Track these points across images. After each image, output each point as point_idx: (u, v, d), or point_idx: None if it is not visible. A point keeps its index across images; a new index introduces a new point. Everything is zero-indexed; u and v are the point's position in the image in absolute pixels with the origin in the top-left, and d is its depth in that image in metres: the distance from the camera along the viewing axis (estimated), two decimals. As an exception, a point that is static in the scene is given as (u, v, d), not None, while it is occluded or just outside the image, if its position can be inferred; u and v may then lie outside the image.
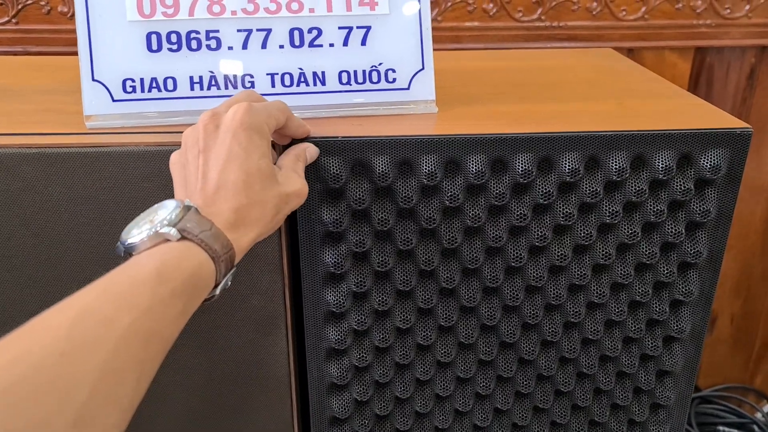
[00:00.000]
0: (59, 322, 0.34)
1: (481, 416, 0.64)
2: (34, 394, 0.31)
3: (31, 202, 0.52)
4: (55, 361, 0.32)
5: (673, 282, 0.59)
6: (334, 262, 0.56)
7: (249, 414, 0.62)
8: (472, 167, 0.53)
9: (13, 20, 1.19)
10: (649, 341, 0.62)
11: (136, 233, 0.41)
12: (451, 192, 0.54)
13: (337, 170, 0.52)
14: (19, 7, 1.16)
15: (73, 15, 1.13)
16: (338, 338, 0.59)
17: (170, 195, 0.52)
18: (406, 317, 0.58)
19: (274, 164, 0.48)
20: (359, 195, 0.53)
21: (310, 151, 0.51)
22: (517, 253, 0.56)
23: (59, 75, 0.70)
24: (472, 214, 0.54)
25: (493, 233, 0.55)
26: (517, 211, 0.55)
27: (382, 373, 0.61)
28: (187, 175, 0.46)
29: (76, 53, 0.54)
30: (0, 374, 0.31)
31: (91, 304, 0.35)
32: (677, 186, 0.55)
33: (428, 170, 0.53)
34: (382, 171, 0.52)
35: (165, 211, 0.42)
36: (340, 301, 0.57)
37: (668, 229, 0.56)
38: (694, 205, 0.56)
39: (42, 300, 0.54)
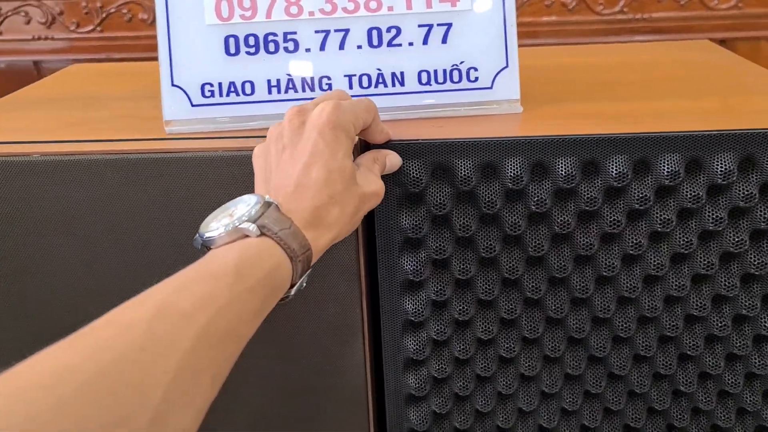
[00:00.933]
0: (140, 315, 0.33)
1: (567, 433, 0.60)
2: (115, 389, 0.30)
3: (113, 209, 0.52)
4: (136, 356, 0.31)
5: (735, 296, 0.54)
6: (413, 269, 0.53)
7: (323, 423, 0.60)
8: (561, 170, 0.49)
9: (98, 29, 1.23)
10: (756, 359, 0.56)
11: (214, 227, 0.40)
12: (537, 196, 0.50)
13: (417, 174, 0.50)
14: (103, 15, 1.20)
15: (152, 21, 1.16)
16: (417, 348, 0.56)
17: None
18: (488, 328, 0.56)
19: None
20: (440, 200, 0.51)
21: (392, 159, 0.49)
22: (608, 261, 0.53)
23: (139, 80, 0.71)
24: (561, 220, 0.51)
25: (583, 240, 0.52)
26: (610, 217, 0.51)
27: (462, 386, 0.58)
28: (268, 170, 0.45)
29: (156, 58, 0.54)
30: (81, 366, 0.29)
31: (170, 299, 0.34)
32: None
33: (513, 174, 0.50)
34: (465, 175, 0.50)
35: (245, 205, 0.41)
36: (418, 310, 0.55)
37: (729, 238, 0.51)
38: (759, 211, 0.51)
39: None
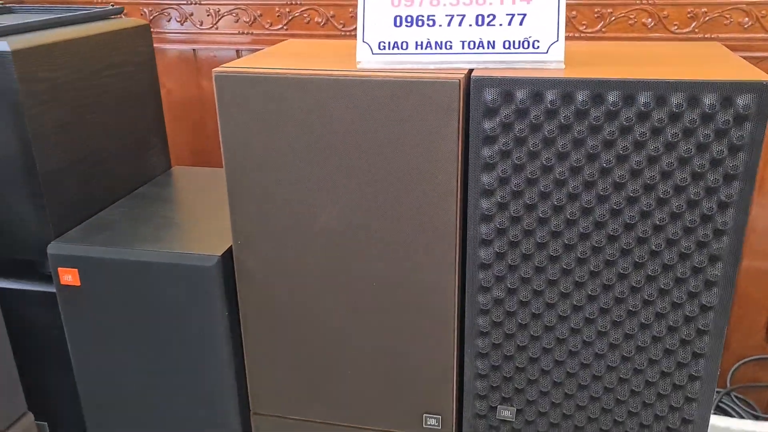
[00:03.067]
0: None
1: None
2: None
3: (316, 119, 0.95)
4: None
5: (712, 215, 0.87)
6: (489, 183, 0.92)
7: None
8: (579, 98, 0.86)
9: (284, 27, 1.69)
10: (693, 281, 0.89)
11: None
12: (564, 115, 0.87)
13: (494, 96, 0.89)
14: (289, 18, 1.66)
15: (324, 23, 1.61)
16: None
17: (399, 112, 0.92)
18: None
19: None
20: (508, 112, 0.89)
21: None
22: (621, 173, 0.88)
23: (339, 50, 1.15)
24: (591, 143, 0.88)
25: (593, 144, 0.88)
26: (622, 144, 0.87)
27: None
28: None
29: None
30: None
31: None
32: (719, 119, 0.83)
33: (551, 100, 0.87)
34: (522, 98, 0.88)
35: None
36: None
37: (714, 149, 0.85)
38: (733, 133, 0.84)
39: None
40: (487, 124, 0.91)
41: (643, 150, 0.87)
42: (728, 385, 1.61)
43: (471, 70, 0.93)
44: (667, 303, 0.94)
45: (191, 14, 1.72)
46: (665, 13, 1.48)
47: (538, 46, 0.93)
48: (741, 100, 0.82)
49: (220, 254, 1.09)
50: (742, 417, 1.54)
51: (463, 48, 0.94)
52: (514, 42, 0.93)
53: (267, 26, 1.67)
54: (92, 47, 1.26)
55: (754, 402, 1.62)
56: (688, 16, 1.46)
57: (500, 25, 0.93)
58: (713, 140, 0.85)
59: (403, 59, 0.95)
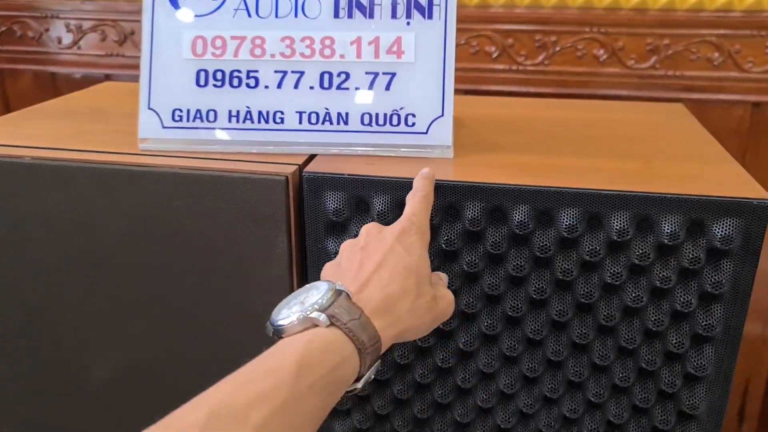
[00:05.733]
0: (194, 420, 0.34)
1: None
2: None
3: (84, 212, 0.60)
4: None
5: (684, 354, 0.56)
6: (337, 290, 0.59)
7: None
8: (468, 214, 0.54)
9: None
10: (659, 414, 0.58)
11: (285, 314, 0.41)
12: (447, 236, 0.55)
13: (339, 206, 0.56)
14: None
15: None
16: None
17: (201, 216, 0.58)
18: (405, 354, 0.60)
19: None
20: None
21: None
22: (514, 303, 0.56)
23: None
24: (468, 260, 0.56)
25: (490, 281, 0.56)
26: (515, 263, 0.55)
27: (401, 389, 0.63)
28: (339, 269, 0.47)
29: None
30: None
31: (226, 399, 0.35)
32: (687, 253, 0.52)
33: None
34: (381, 209, 0.55)
35: (316, 293, 0.42)
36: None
37: (678, 297, 0.54)
38: (706, 275, 0.53)
39: (81, 302, 0.63)
40: (332, 245, 0.58)
41: (568, 293, 0.56)
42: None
43: (309, 158, 0.60)
44: None
45: (47, 30, 1.36)
46: (620, 44, 1.20)
47: (413, 123, 0.61)
48: (719, 228, 0.51)
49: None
50: None
51: (300, 122, 0.62)
52: (377, 116, 0.61)
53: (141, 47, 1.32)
54: None
55: None
56: (648, 48, 1.20)
57: (357, 88, 0.61)
58: (675, 285, 0.54)
59: (208, 137, 0.62)
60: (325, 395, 0.38)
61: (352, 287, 0.43)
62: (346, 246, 0.48)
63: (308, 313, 0.40)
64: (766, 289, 1.17)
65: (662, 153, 0.63)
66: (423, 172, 0.53)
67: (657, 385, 0.57)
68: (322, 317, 0.40)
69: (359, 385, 0.42)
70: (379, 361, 0.43)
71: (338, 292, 0.42)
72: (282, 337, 0.41)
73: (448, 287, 0.52)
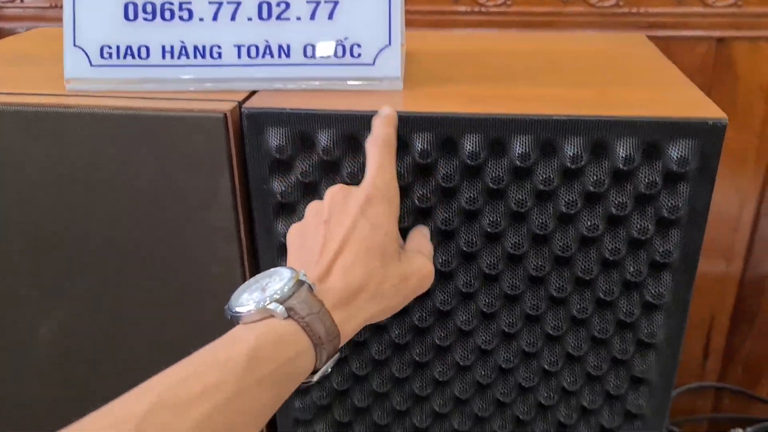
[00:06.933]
0: (136, 409, 0.33)
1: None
2: None
3: (8, 158, 0.56)
4: None
5: (642, 282, 0.55)
6: (285, 232, 0.56)
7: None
8: (419, 146, 0.52)
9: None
10: (618, 344, 0.58)
11: (245, 301, 0.40)
12: (397, 170, 0.53)
13: (282, 142, 0.53)
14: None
15: None
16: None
17: (136, 160, 0.55)
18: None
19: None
20: (306, 168, 0.54)
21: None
22: (468, 238, 0.55)
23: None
24: (420, 194, 0.53)
25: (443, 216, 0.54)
26: (467, 195, 0.53)
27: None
28: (304, 244, 0.45)
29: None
30: None
31: (169, 391, 0.34)
32: (643, 178, 0.51)
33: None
34: (327, 146, 0.52)
35: (278, 281, 0.41)
36: (293, 272, 0.58)
37: (635, 224, 0.52)
38: (663, 200, 0.51)
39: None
40: (277, 185, 0.55)
41: (522, 225, 0.54)
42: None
43: (250, 95, 0.57)
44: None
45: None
46: (584, -18, 1.17)
47: (359, 54, 0.57)
48: (674, 150, 0.49)
49: None
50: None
51: (238, 57, 0.58)
52: (320, 47, 0.57)
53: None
54: None
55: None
56: (611, -15, 1.17)
57: (297, 18, 0.57)
58: (631, 212, 0.52)
59: (140, 75, 0.58)
60: (276, 389, 0.37)
61: (315, 273, 0.42)
62: (311, 211, 0.46)
63: (266, 303, 0.39)
64: (727, 226, 1.18)
65: (619, 80, 0.61)
66: (382, 113, 0.50)
67: (615, 315, 0.56)
68: (280, 309, 0.39)
69: (314, 378, 0.41)
70: (338, 354, 0.42)
71: (300, 283, 0.41)
72: (239, 324, 0.39)
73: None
